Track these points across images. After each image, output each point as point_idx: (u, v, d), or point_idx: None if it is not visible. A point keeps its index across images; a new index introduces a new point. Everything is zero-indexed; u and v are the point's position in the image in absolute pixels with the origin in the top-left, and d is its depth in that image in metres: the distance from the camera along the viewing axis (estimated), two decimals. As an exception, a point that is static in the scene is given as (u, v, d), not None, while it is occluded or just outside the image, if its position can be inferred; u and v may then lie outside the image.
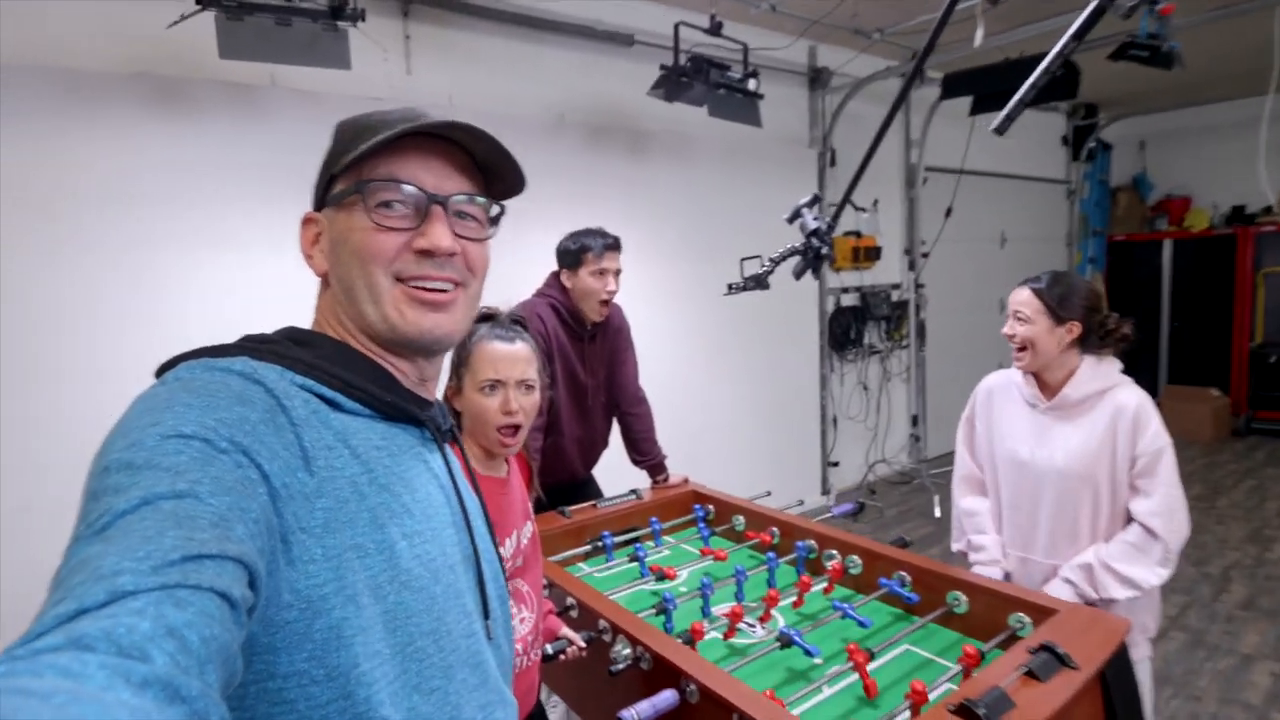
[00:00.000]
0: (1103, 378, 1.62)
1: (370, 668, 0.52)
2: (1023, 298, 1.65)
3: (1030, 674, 1.13)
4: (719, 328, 3.95)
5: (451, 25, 2.99)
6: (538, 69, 3.26)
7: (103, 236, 2.28)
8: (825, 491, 4.63)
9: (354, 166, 0.61)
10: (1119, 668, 1.23)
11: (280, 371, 0.55)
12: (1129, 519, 1.60)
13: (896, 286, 5.08)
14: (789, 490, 4.22)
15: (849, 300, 4.80)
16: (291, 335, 0.62)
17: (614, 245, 2.07)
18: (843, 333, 4.71)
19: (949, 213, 4.88)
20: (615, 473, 2.42)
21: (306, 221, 0.66)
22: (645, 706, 1.19)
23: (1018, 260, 6.17)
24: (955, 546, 1.86)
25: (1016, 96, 1.13)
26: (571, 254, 2.06)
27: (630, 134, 3.53)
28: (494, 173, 0.67)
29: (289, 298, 2.50)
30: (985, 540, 1.78)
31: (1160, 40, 2.70)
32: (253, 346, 0.57)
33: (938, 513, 4.30)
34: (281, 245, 2.57)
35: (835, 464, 4.70)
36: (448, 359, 0.87)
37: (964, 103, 4.10)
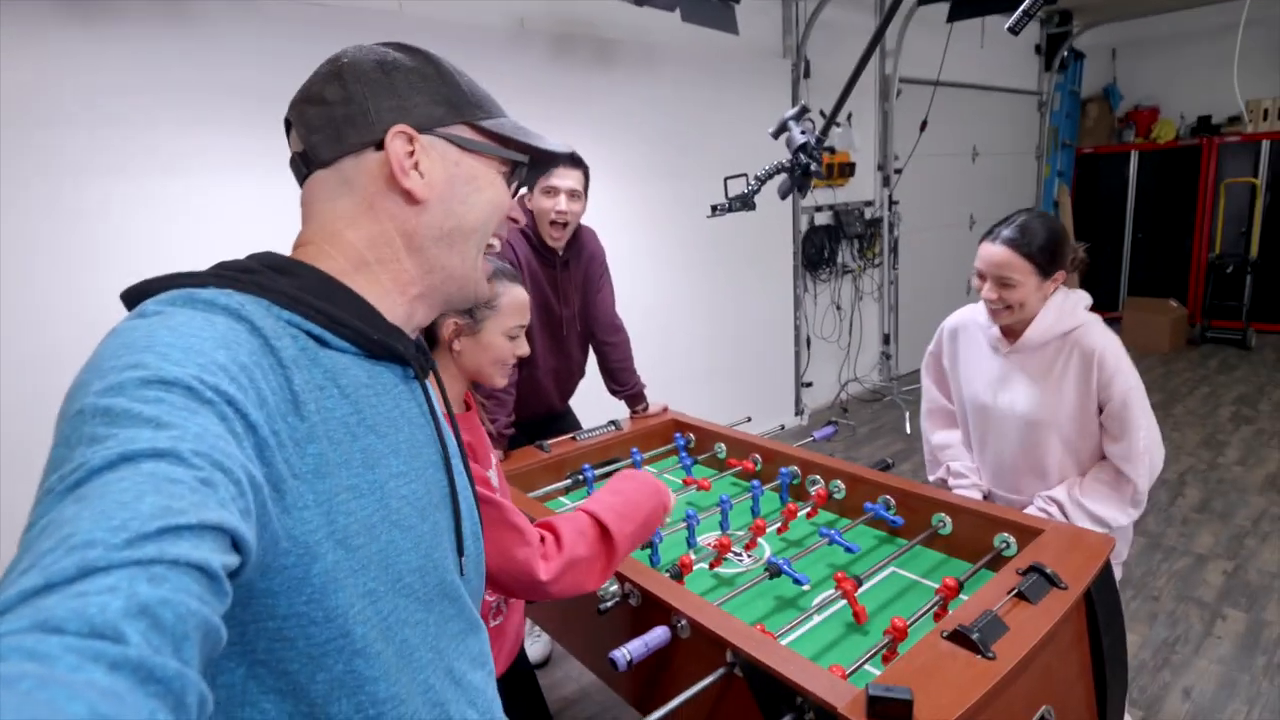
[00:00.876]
0: (1067, 317, 1.53)
1: (364, 605, 0.54)
2: (1006, 258, 1.49)
3: (1021, 596, 1.13)
4: (690, 250, 3.85)
5: (394, -80, 2.70)
6: (492, -30, 2.99)
7: (14, 162, 2.06)
8: (799, 412, 4.68)
9: (485, 130, 0.65)
10: (1104, 585, 1.24)
11: (266, 306, 0.53)
12: (1102, 456, 1.59)
13: (870, 204, 5.00)
14: (764, 412, 4.25)
15: (822, 219, 4.71)
16: (270, 263, 0.58)
17: (567, 160, 1.93)
18: (816, 252, 4.65)
19: (924, 126, 4.75)
20: (593, 404, 2.37)
21: (404, 137, 0.61)
22: (637, 645, 1.17)
23: (989, 175, 6.12)
24: (932, 477, 1.86)
25: (1036, -11, 1.03)
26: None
27: (595, 43, 3.30)
28: None
29: (225, 222, 2.35)
30: (962, 466, 1.78)
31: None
32: (233, 276, 0.54)
33: (908, 429, 4.38)
34: (222, 168, 2.39)
35: (809, 384, 4.73)
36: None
37: (940, 9, 3.92)
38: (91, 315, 1.93)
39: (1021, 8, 1.03)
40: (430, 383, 0.69)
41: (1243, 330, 5.81)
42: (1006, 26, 1.08)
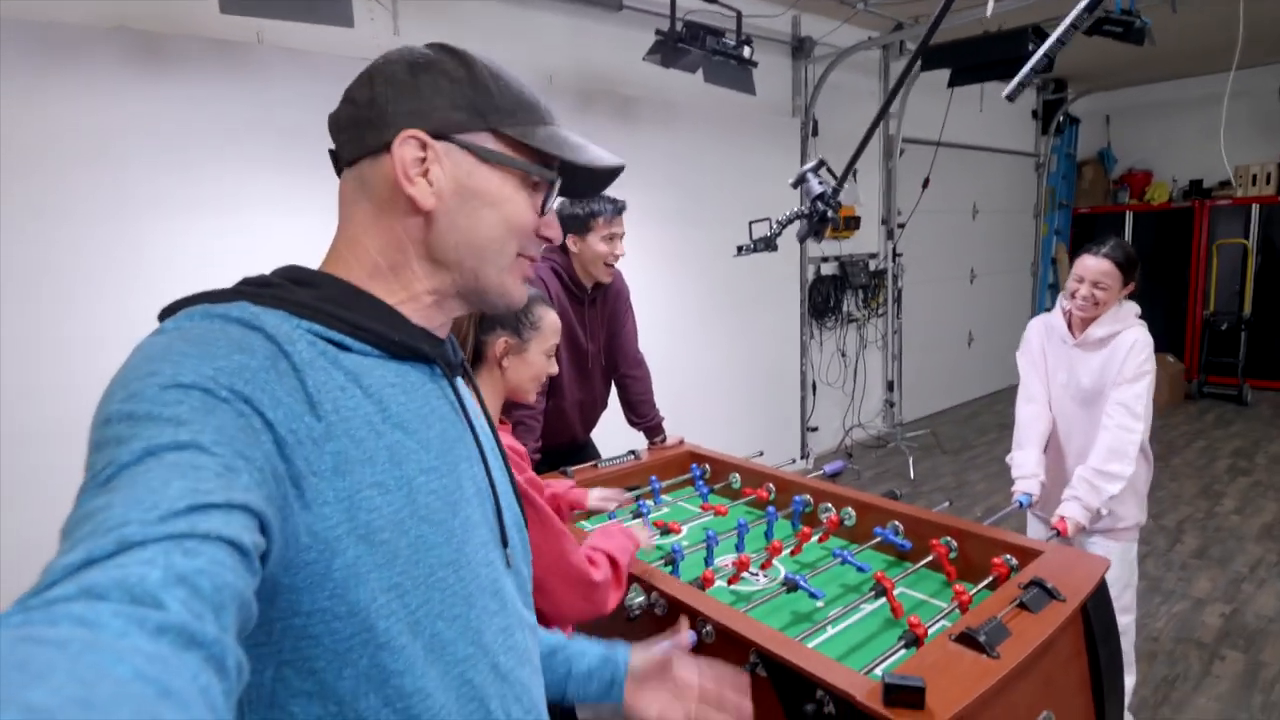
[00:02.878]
0: (1121, 319, 1.97)
1: (389, 600, 0.54)
2: (1108, 269, 1.93)
3: (1023, 606, 1.23)
4: (703, 293, 4.01)
5: (439, -15, 2.94)
6: (527, 32, 3.23)
7: (84, 197, 2.22)
8: (804, 455, 4.77)
9: (513, 139, 0.62)
10: (1099, 602, 1.34)
11: (283, 316, 0.54)
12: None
13: (874, 256, 5.19)
14: (771, 453, 4.34)
15: (829, 269, 4.89)
16: (291, 275, 0.60)
17: (622, 210, 2.10)
18: (822, 301, 4.81)
19: (926, 184, 4.98)
20: (611, 435, 2.48)
21: (414, 143, 0.59)
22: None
23: (989, 231, 6.34)
24: (1008, 457, 2.16)
25: (1029, 65, 1.19)
26: (580, 219, 2.06)
27: (618, 99, 3.53)
28: None
29: (275, 259, 2.50)
30: (1021, 456, 2.07)
31: (1133, 17, 2.80)
32: (252, 291, 0.56)
33: (912, 474, 4.46)
34: (267, 206, 2.55)
35: (814, 429, 4.83)
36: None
37: (942, 75, 4.16)
38: (128, 333, 2.07)
39: (1016, 79, 1.19)
40: (461, 380, 0.70)
41: (1239, 386, 5.93)
42: (1004, 94, 1.23)
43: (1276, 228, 6.06)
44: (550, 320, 1.34)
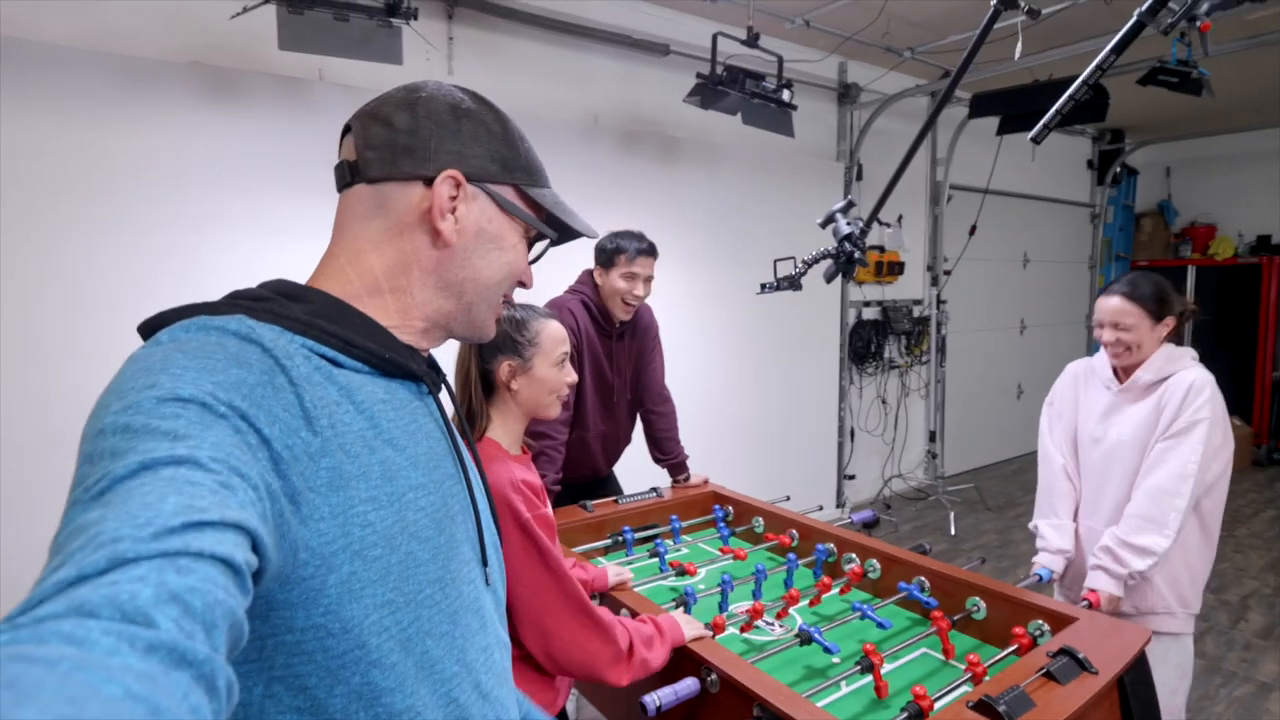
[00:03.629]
0: (1174, 362, 1.72)
1: (381, 617, 0.54)
2: (1123, 307, 1.72)
3: (1049, 675, 1.15)
4: (741, 333, 3.99)
5: (493, 29, 3.06)
6: (575, 74, 3.33)
7: (148, 218, 2.35)
8: (840, 504, 4.63)
9: (530, 198, 0.69)
10: (1138, 675, 1.24)
11: (279, 331, 0.55)
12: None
13: (918, 302, 5.09)
14: (802, 498, 4.23)
15: (870, 314, 4.81)
16: (282, 290, 0.60)
17: (648, 251, 2.11)
18: (863, 346, 4.72)
19: (973, 231, 4.89)
20: (635, 471, 2.45)
21: (451, 182, 0.63)
22: (667, 693, 1.22)
23: (1040, 282, 6.17)
24: (1032, 524, 1.96)
25: (1055, 106, 1.16)
26: (607, 253, 2.10)
27: (662, 140, 3.59)
28: None
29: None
30: (1050, 528, 1.87)
31: (1190, 67, 2.72)
32: (247, 304, 0.56)
33: (953, 530, 4.29)
34: (317, 231, 2.64)
35: (851, 477, 4.70)
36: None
37: (991, 122, 4.11)
38: None
39: (1042, 121, 1.16)
40: (444, 398, 0.71)
41: (1313, 454, 5.56)
42: (1030, 136, 1.20)
43: (1353, 288, 5.73)
44: (550, 331, 1.31)
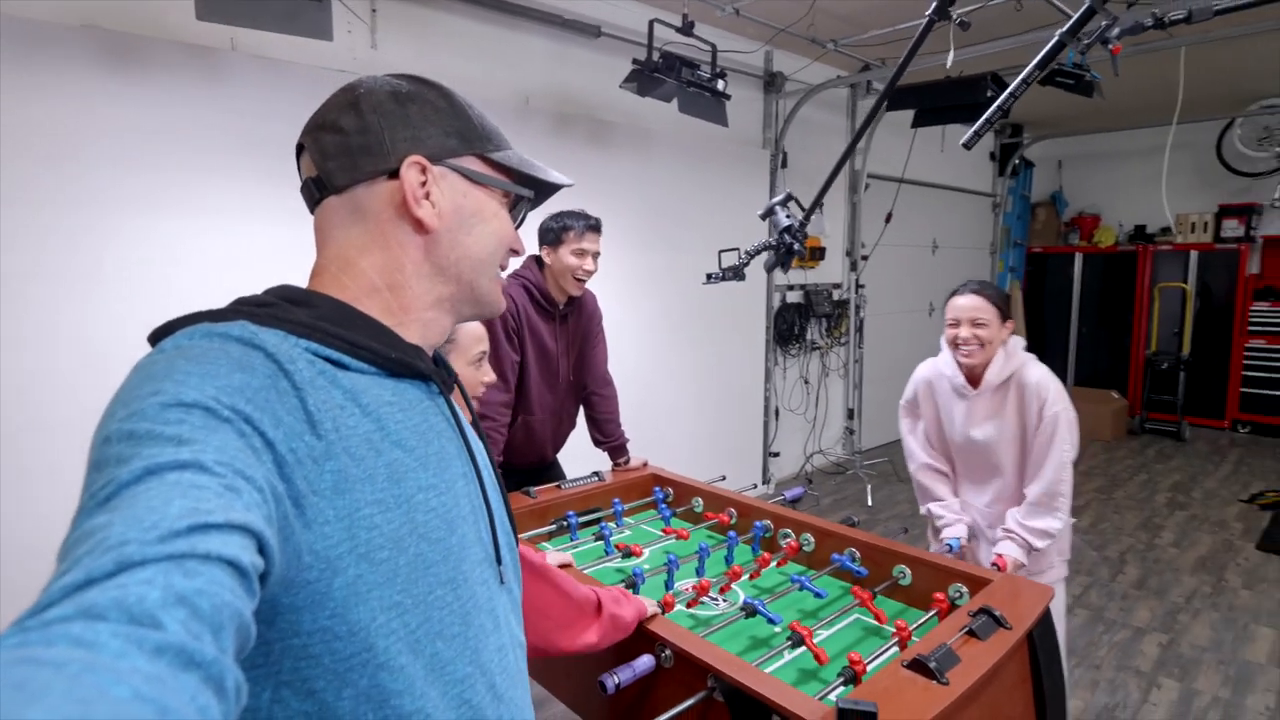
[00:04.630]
0: (1013, 359, 1.89)
1: (388, 619, 0.54)
2: (978, 304, 1.86)
3: (971, 633, 1.27)
4: (672, 318, 4.05)
5: (420, 1, 2.96)
6: (505, 53, 3.26)
7: (48, 196, 2.17)
8: (766, 480, 4.82)
9: (496, 162, 0.68)
10: (1044, 629, 1.39)
11: (282, 335, 0.55)
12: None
13: (838, 286, 5.32)
14: (734, 477, 4.38)
15: (794, 297, 4.99)
16: (286, 295, 0.60)
17: (595, 227, 2.14)
18: (787, 328, 4.90)
19: (889, 218, 5.13)
20: (576, 457, 2.48)
21: (417, 167, 0.63)
22: (625, 670, 1.27)
23: (948, 266, 6.55)
24: (922, 510, 2.13)
25: (985, 117, 1.26)
26: (554, 232, 2.11)
27: (593, 124, 3.57)
28: None
29: (238, 264, 2.46)
30: (942, 508, 2.05)
31: (1084, 71, 2.96)
32: (250, 310, 0.57)
33: (870, 501, 4.55)
34: (235, 212, 2.51)
35: (776, 454, 4.89)
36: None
37: (905, 114, 4.32)
38: (89, 334, 2.04)
39: (972, 129, 1.26)
40: (456, 398, 0.71)
41: (1177, 423, 6.20)
42: (961, 143, 1.30)
43: (1213, 275, 6.38)
44: (466, 332, 1.31)
